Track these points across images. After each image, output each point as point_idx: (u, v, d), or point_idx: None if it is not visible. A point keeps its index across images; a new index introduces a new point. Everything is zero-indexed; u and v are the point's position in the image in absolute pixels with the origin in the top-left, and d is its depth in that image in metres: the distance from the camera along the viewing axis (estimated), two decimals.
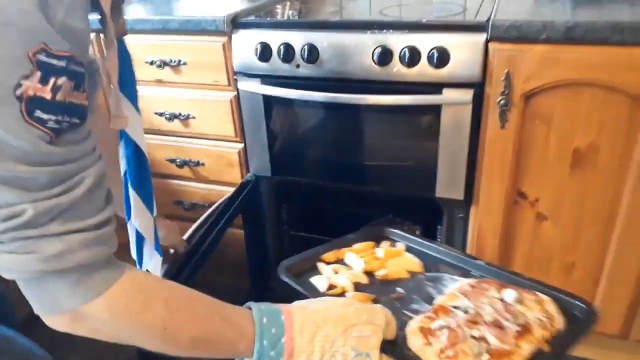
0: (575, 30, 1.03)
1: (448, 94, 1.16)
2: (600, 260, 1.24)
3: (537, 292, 0.72)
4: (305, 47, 1.23)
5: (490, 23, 1.09)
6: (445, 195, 1.29)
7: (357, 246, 0.94)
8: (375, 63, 1.18)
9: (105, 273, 0.53)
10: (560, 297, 0.72)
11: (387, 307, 0.73)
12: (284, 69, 1.28)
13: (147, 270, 0.88)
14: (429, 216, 1.38)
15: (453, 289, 0.77)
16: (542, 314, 0.68)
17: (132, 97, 0.74)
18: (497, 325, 0.66)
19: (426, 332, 0.67)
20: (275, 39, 1.26)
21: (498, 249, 1.30)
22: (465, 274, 0.83)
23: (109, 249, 0.54)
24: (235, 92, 1.38)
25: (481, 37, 1.10)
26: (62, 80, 0.47)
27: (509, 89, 1.11)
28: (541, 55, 1.07)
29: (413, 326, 0.69)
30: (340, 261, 0.90)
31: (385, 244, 0.94)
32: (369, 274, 0.86)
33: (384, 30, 1.18)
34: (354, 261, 0.88)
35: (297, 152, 1.43)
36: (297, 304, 0.66)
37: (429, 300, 0.77)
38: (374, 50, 1.17)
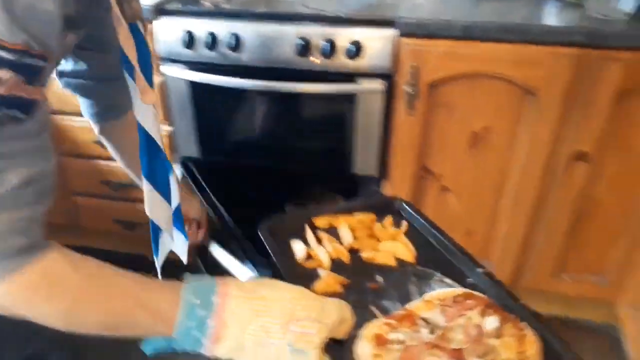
0: (472, 29, 1.16)
1: (362, 84, 1.27)
2: (494, 223, 1.44)
3: (525, 327, 0.62)
4: (230, 36, 1.28)
5: (399, 20, 1.20)
6: (361, 172, 1.43)
7: (357, 215, 0.86)
8: (296, 53, 1.26)
9: (12, 261, 0.51)
10: (551, 340, 0.61)
11: (357, 296, 0.69)
12: (209, 56, 1.32)
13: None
14: (347, 191, 1.52)
15: (434, 295, 0.68)
16: (516, 356, 0.59)
17: (148, 79, 0.73)
18: (458, 358, 0.58)
19: (381, 341, 0.61)
20: (200, 27, 1.30)
21: None
22: (460, 279, 0.73)
23: (25, 239, 0.52)
24: (162, 78, 1.41)
25: (391, 33, 1.21)
26: (8, 74, 0.46)
27: (416, 80, 1.23)
28: (443, 50, 1.20)
29: (369, 330, 0.63)
30: (332, 228, 0.83)
31: (388, 219, 0.85)
32: (355, 251, 0.79)
33: (305, 23, 1.25)
34: (344, 234, 0.81)
35: (224, 135, 1.49)
36: (241, 284, 0.61)
37: (405, 299, 0.69)
38: (295, 41, 1.25)
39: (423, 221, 0.83)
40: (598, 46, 1.12)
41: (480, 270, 0.72)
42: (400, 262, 0.76)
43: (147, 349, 0.59)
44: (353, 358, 0.60)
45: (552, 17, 1.23)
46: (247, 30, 1.28)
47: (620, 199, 1.31)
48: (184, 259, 0.93)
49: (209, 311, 0.57)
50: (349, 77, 1.27)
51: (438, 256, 0.78)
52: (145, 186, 0.78)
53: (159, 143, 0.78)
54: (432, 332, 0.61)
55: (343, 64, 1.25)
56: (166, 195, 0.82)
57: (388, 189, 1.43)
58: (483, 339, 0.60)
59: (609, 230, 1.38)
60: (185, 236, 0.91)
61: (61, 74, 0.81)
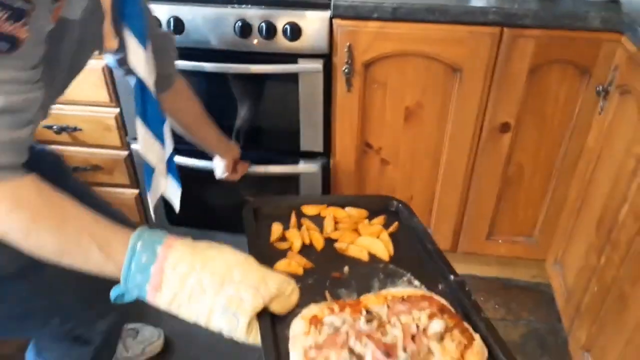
0: (400, 10, 1.25)
1: (302, 64, 1.34)
2: (431, 192, 1.55)
3: (476, 337, 0.62)
4: (172, 19, 1.33)
5: (332, 3, 1.27)
6: (308, 149, 1.51)
7: (349, 210, 0.86)
8: (237, 35, 1.32)
9: None
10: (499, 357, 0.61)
11: (315, 281, 0.70)
12: None
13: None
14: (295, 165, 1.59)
15: (390, 291, 0.69)
16: None
17: (138, 31, 0.77)
18: (388, 353, 0.58)
19: (315, 322, 0.62)
20: None
21: (352, 188, 1.55)
22: (431, 284, 0.72)
23: (3, 159, 0.58)
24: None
25: (326, 14, 1.28)
26: None
27: (351, 59, 1.31)
28: (375, 31, 1.28)
29: (309, 311, 0.65)
30: (318, 217, 0.85)
31: (380, 218, 0.85)
32: (333, 241, 0.80)
33: (243, 5, 1.31)
34: (327, 223, 0.83)
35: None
36: (190, 242, 0.64)
37: (364, 292, 0.70)
38: (235, 23, 1.31)
39: (415, 225, 0.82)
40: (513, 25, 1.22)
41: (452, 277, 0.71)
42: (374, 258, 0.76)
43: (112, 294, 0.64)
44: (286, 334, 0.62)
45: None
46: (189, 13, 1.33)
47: (541, 164, 1.44)
48: (176, 205, 0.99)
49: (152, 259, 0.61)
50: (291, 57, 1.34)
51: (415, 260, 0.76)
52: (139, 127, 0.83)
53: (151, 89, 0.82)
54: (369, 322, 0.61)
55: (284, 45, 1.32)
56: (160, 139, 0.87)
57: (334, 164, 1.52)
58: (421, 339, 0.59)
59: (533, 194, 1.51)
60: (179, 184, 0.98)
61: (119, 63, 0.93)
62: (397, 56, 1.31)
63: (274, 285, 0.63)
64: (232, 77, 1.42)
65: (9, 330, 0.92)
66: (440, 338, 0.60)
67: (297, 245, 0.78)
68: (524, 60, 1.25)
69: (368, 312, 0.63)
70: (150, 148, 0.86)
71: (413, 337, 0.60)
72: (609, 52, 1.21)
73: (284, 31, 1.30)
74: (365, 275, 0.73)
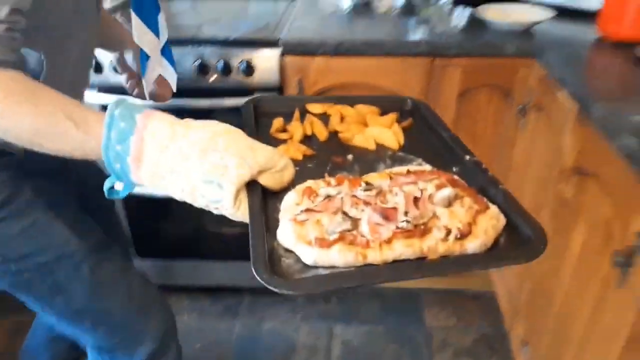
0: (342, 46, 1.40)
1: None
2: None
3: (494, 207, 0.56)
4: None
5: (282, 40, 1.41)
6: None
7: (358, 107, 0.79)
8: (197, 72, 1.44)
9: None
10: (520, 224, 0.55)
11: (315, 165, 0.65)
12: (118, 79, 1.47)
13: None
14: None
15: (393, 170, 0.64)
16: (458, 226, 0.53)
17: None
18: (384, 214, 0.53)
19: (309, 192, 0.58)
20: (106, 52, 1.45)
21: None
22: (445, 167, 0.65)
23: None
24: None
25: (277, 51, 1.42)
26: None
27: (302, 91, 1.45)
28: (321, 65, 1.42)
29: (301, 186, 0.60)
30: (324, 115, 0.78)
31: (393, 114, 0.77)
32: (337, 134, 0.74)
33: (201, 46, 1.44)
34: (333, 119, 0.76)
35: None
36: (167, 115, 0.59)
37: (369, 172, 0.64)
38: (195, 62, 1.43)
39: (433, 122, 0.75)
40: (441, 55, 1.39)
41: (468, 157, 0.66)
42: (381, 147, 0.70)
43: (105, 187, 0.61)
44: (277, 207, 0.58)
45: (407, 33, 1.49)
46: None
47: None
48: (173, 86, 1.08)
49: (131, 127, 0.56)
50: (247, 91, 1.46)
51: (428, 147, 0.71)
52: (133, 19, 0.89)
53: None
54: (367, 190, 0.57)
55: (239, 81, 1.45)
56: (154, 29, 0.94)
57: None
58: (425, 204, 0.55)
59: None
60: (174, 66, 1.06)
61: None
62: (342, 87, 1.46)
63: (262, 156, 0.57)
64: (192, 111, 1.52)
65: (66, 324, 0.95)
66: (448, 204, 0.55)
67: (297, 135, 0.72)
68: (453, 85, 1.42)
69: (367, 183, 0.59)
70: (144, 38, 0.92)
71: (416, 203, 0.55)
72: (525, 76, 1.39)
73: (239, 68, 1.42)
74: (369, 161, 0.67)
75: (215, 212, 0.58)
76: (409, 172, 0.62)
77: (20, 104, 0.58)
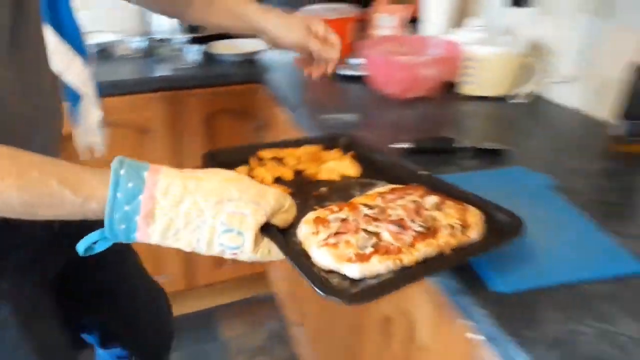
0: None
1: None
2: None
3: (469, 205, 0.66)
4: None
5: None
6: None
7: (303, 148, 0.84)
8: None
9: None
10: (495, 213, 0.65)
11: (301, 200, 0.67)
12: None
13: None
14: None
15: (375, 190, 0.70)
16: (457, 222, 0.62)
17: None
18: (399, 224, 0.60)
19: (320, 222, 0.62)
20: None
21: None
22: (407, 182, 0.73)
23: None
24: None
25: None
26: None
27: None
28: None
29: (309, 216, 0.64)
30: (277, 159, 0.82)
31: (336, 150, 0.84)
32: (299, 172, 0.78)
33: None
34: (289, 160, 0.80)
35: None
36: (172, 168, 0.57)
37: (349, 199, 0.69)
38: None
39: (369, 150, 0.83)
40: (182, 87, 1.52)
41: (423, 173, 0.75)
42: (345, 177, 0.77)
43: (80, 247, 0.57)
44: (294, 240, 0.61)
45: (148, 71, 1.61)
46: None
47: None
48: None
49: (140, 186, 0.53)
50: None
51: (383, 170, 0.78)
52: (50, 38, 0.68)
53: None
54: (371, 209, 0.63)
55: None
56: (82, 51, 0.72)
57: None
58: (423, 211, 0.63)
59: None
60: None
61: None
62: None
63: (273, 199, 0.59)
64: None
65: None
66: (439, 208, 0.64)
67: (268, 179, 0.75)
68: (196, 113, 1.55)
69: (365, 205, 0.65)
70: (69, 66, 0.71)
71: (416, 212, 0.63)
72: (255, 98, 1.61)
73: None
74: (343, 190, 0.74)
75: (230, 257, 0.58)
76: (393, 190, 0.69)
77: (7, 180, 0.52)
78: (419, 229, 0.60)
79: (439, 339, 0.72)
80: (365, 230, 0.60)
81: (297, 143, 0.85)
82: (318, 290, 0.52)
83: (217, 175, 0.58)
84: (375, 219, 0.62)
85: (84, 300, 0.94)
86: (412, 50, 1.35)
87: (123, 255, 0.99)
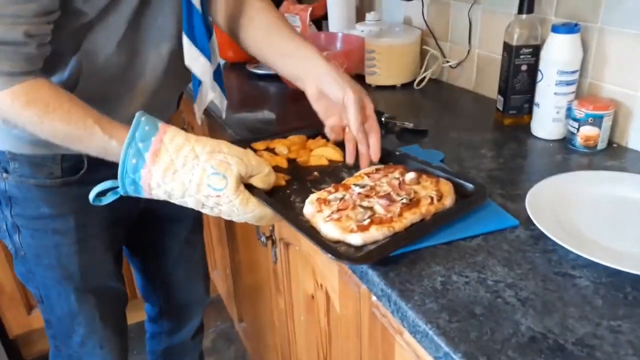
0: None
1: None
2: None
3: (440, 177, 0.79)
4: None
5: None
6: None
7: (291, 138, 0.96)
8: None
9: (5, 78, 0.67)
10: (458, 181, 0.79)
11: (299, 185, 0.81)
12: None
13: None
14: None
15: (361, 171, 0.82)
16: (434, 192, 0.73)
17: None
18: (387, 198, 0.72)
19: (322, 202, 0.73)
20: None
21: None
22: (386, 162, 0.86)
23: (14, 65, 0.67)
24: None
25: None
26: None
27: None
28: None
29: (312, 197, 0.75)
30: (269, 149, 0.93)
31: (318, 138, 0.96)
32: (291, 160, 0.90)
33: None
34: (280, 149, 0.92)
35: None
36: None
37: (340, 181, 0.81)
38: None
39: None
40: None
41: (399, 151, 0.90)
42: (332, 162, 0.90)
43: (91, 194, 0.72)
44: (303, 216, 0.74)
45: None
46: None
47: None
48: (223, 112, 1.04)
49: (154, 130, 0.69)
50: None
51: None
52: (185, 42, 0.84)
53: (197, 6, 0.83)
54: (362, 187, 0.76)
55: None
56: (206, 52, 0.87)
57: None
58: (405, 186, 0.76)
59: None
60: (224, 92, 1.00)
61: None
62: None
63: (255, 160, 0.74)
64: None
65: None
66: (417, 182, 0.77)
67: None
68: None
69: (356, 185, 0.77)
70: (196, 63, 0.87)
71: (399, 187, 0.76)
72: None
73: None
74: (333, 173, 0.86)
75: (212, 205, 0.70)
76: (377, 170, 0.81)
77: (57, 115, 0.69)
78: (405, 200, 0.72)
79: (348, 305, 0.80)
80: (360, 206, 0.72)
81: (283, 134, 0.97)
82: (335, 257, 0.65)
83: (214, 140, 0.73)
84: (367, 196, 0.74)
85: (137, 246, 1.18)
86: (318, 46, 1.42)
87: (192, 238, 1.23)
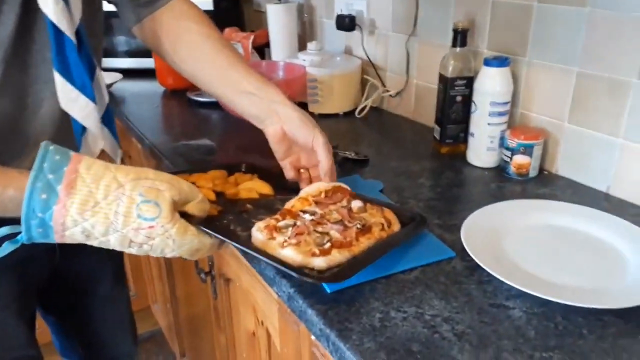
0: None
1: None
2: None
3: (382, 206, 0.80)
4: None
5: None
6: None
7: (211, 173, 0.88)
8: None
9: None
10: (399, 211, 0.81)
11: (234, 216, 0.75)
12: None
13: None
14: None
15: (307, 191, 0.80)
16: (382, 220, 0.75)
17: None
18: (341, 224, 0.72)
19: (272, 229, 0.70)
20: None
21: None
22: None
23: None
24: None
25: None
26: None
27: None
28: None
29: (259, 225, 0.72)
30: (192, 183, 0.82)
31: (240, 173, 0.89)
32: (219, 194, 0.83)
33: None
34: (203, 183, 0.84)
35: None
36: None
37: (275, 213, 0.76)
38: None
39: (267, 170, 0.90)
40: None
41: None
42: (262, 195, 0.84)
43: None
44: (250, 245, 0.69)
45: None
46: None
47: None
48: (117, 161, 0.88)
49: (66, 160, 0.58)
50: None
51: (291, 185, 0.87)
52: (58, 80, 0.73)
53: (70, 36, 0.72)
54: (312, 215, 0.74)
55: None
56: (88, 92, 0.76)
57: None
58: (354, 214, 0.76)
59: None
60: (116, 139, 0.87)
61: None
62: None
63: (187, 185, 0.64)
64: None
65: None
66: (364, 210, 0.77)
67: None
68: None
69: (305, 212, 0.75)
70: (72, 104, 0.75)
71: (349, 215, 0.75)
72: None
73: None
74: (267, 205, 0.80)
75: (142, 240, 0.60)
76: (324, 194, 0.80)
77: None
78: (358, 227, 0.73)
79: (289, 344, 0.78)
80: (316, 231, 0.71)
81: (204, 168, 0.91)
82: (304, 278, 0.63)
83: (137, 167, 0.64)
84: (319, 223, 0.73)
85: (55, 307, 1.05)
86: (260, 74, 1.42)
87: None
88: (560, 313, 0.62)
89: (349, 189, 0.81)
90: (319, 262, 0.66)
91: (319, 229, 0.71)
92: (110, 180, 0.59)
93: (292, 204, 0.77)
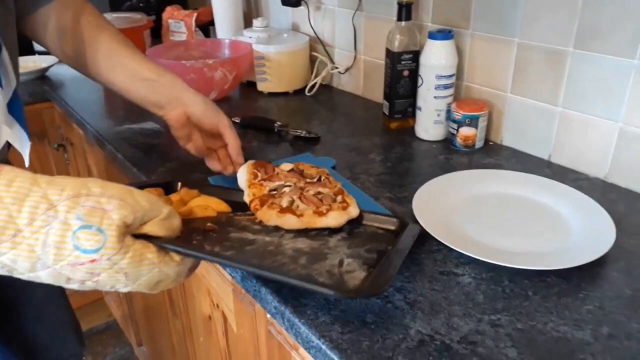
0: None
1: None
2: None
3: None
4: None
5: None
6: None
7: (147, 190, 0.70)
8: None
9: None
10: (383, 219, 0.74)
11: (202, 237, 0.63)
12: None
13: None
14: None
15: (247, 181, 0.77)
16: (331, 191, 0.75)
17: None
18: (318, 192, 0.73)
19: (264, 200, 0.71)
20: None
21: None
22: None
23: None
24: None
25: None
26: None
27: None
28: None
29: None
30: None
31: (183, 189, 0.76)
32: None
33: None
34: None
35: None
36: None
37: (242, 228, 0.68)
38: None
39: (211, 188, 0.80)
40: None
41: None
42: (220, 213, 0.72)
43: None
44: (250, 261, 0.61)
45: None
46: None
47: None
48: (26, 159, 0.71)
49: None
50: None
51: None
52: None
53: None
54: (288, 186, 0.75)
55: None
56: None
57: None
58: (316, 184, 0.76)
59: None
60: (26, 130, 0.70)
61: None
62: None
63: (146, 199, 0.50)
64: None
65: None
66: (323, 185, 0.76)
67: None
68: None
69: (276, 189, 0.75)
70: None
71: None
72: (51, 117, 1.51)
73: None
74: (229, 222, 0.70)
75: (84, 277, 0.47)
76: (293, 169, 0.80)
77: None
78: (331, 195, 0.74)
79: (245, 324, 0.77)
80: (305, 197, 0.72)
81: (140, 186, 0.76)
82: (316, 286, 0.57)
83: (77, 178, 0.50)
84: (301, 190, 0.73)
85: None
86: (204, 53, 1.38)
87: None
88: (507, 277, 0.64)
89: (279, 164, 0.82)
90: (333, 219, 0.68)
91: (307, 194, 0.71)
92: (39, 200, 0.45)
93: (252, 192, 0.73)
